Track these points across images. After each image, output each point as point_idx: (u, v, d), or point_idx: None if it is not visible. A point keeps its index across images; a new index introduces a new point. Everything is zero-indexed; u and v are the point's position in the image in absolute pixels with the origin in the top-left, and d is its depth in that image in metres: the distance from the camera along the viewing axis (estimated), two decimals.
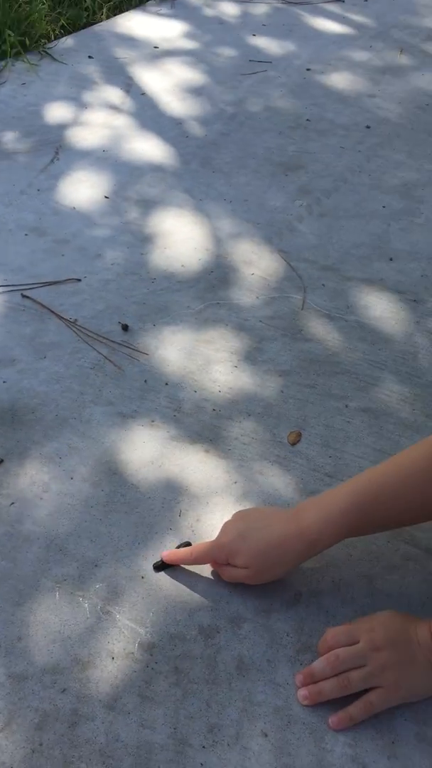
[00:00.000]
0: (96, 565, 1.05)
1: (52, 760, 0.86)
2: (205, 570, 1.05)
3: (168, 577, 1.04)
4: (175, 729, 0.89)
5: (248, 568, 0.99)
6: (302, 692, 0.92)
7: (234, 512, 1.06)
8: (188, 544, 1.07)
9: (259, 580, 1.01)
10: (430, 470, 0.97)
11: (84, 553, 1.06)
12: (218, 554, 1.01)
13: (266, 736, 0.89)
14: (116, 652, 0.96)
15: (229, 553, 0.99)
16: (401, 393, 1.34)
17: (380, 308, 1.52)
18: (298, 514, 0.99)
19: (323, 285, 1.56)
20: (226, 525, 1.02)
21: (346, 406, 1.31)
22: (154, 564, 1.05)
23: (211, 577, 1.04)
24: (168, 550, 1.05)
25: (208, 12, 2.78)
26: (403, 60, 2.53)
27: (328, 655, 0.91)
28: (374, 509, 0.98)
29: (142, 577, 1.04)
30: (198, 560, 1.04)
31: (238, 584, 1.03)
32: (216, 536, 1.03)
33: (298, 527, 0.97)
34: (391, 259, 1.64)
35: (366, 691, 0.90)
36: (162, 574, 1.04)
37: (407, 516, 1.02)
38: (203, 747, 0.88)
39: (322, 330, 1.46)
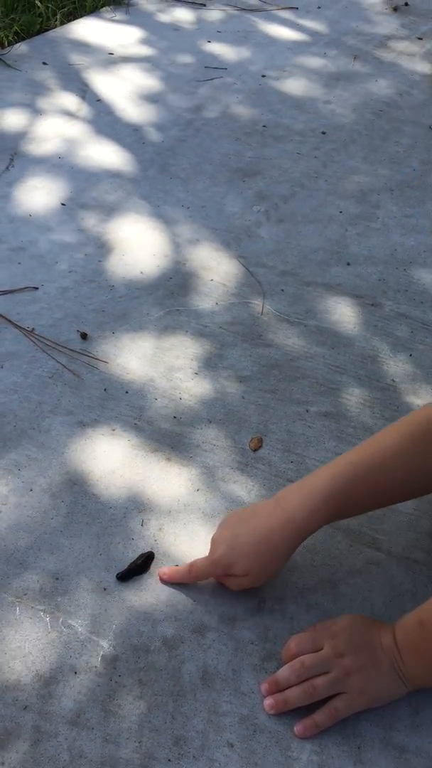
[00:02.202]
0: (57, 578, 1.03)
1: None
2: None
3: (131, 589, 1.03)
4: (140, 743, 0.88)
5: (248, 575, 0.98)
6: (268, 701, 0.91)
7: (196, 522, 1.05)
8: (151, 554, 1.06)
9: (264, 578, 1.01)
10: (407, 449, 0.98)
11: (44, 566, 1.05)
12: (215, 571, 1.00)
13: (232, 746, 0.88)
14: (79, 666, 0.94)
15: (224, 568, 0.99)
16: (361, 397, 1.34)
17: (339, 312, 1.52)
18: (279, 504, 0.98)
19: (282, 290, 1.57)
20: (214, 539, 1.01)
21: (307, 410, 1.31)
22: (117, 574, 1.04)
23: (174, 588, 1.03)
24: (166, 569, 1.03)
25: (163, 18, 2.78)
26: (357, 66, 2.55)
27: (293, 663, 0.91)
28: (356, 491, 0.98)
29: (105, 589, 1.02)
30: (198, 578, 1.03)
31: (200, 593, 1.02)
32: (208, 552, 1.02)
33: (281, 518, 0.97)
34: (348, 264, 1.66)
35: (331, 697, 0.90)
36: (125, 585, 1.03)
37: (389, 495, 1.03)
38: (169, 760, 0.87)
39: (281, 335, 1.46)
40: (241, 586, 1.01)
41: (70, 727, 0.89)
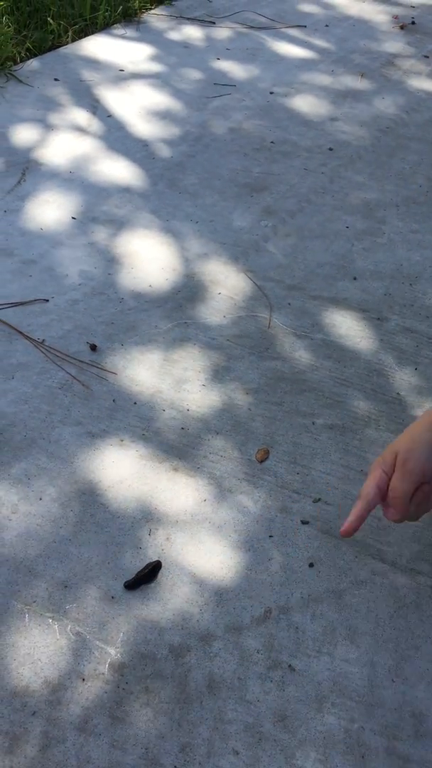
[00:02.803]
0: (66, 586, 1.05)
1: None
2: (176, 588, 1.06)
3: (138, 597, 1.04)
4: (146, 749, 0.89)
5: (405, 459, 0.97)
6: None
7: (203, 532, 1.06)
8: (158, 564, 1.07)
9: (416, 467, 0.97)
10: None
11: (53, 574, 1.06)
12: (412, 482, 0.97)
13: (237, 753, 0.89)
14: (86, 673, 0.96)
15: (389, 451, 0.99)
16: (367, 410, 1.36)
17: (345, 326, 1.54)
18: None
19: (289, 304, 1.59)
20: (397, 454, 0.99)
21: (313, 423, 1.32)
22: (125, 583, 1.05)
23: (180, 597, 1.05)
24: (346, 522, 0.98)
25: (173, 36, 2.82)
26: (364, 84, 2.58)
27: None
28: None
29: (112, 597, 1.04)
30: (369, 494, 0.98)
31: (207, 602, 1.03)
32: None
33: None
34: (355, 278, 1.68)
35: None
36: (132, 593, 1.04)
37: None
38: (175, 767, 0.88)
39: (288, 348, 1.48)
40: (397, 494, 0.97)
41: (77, 733, 0.90)
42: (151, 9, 3.01)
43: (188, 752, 0.89)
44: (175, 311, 1.54)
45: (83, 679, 0.95)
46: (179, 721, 0.92)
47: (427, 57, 2.82)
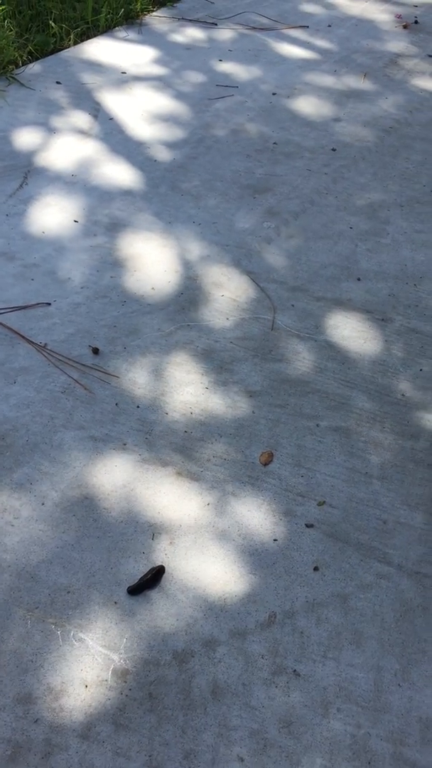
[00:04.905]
0: (68, 592, 1.04)
1: None
2: (180, 593, 1.05)
3: (142, 602, 1.03)
4: (150, 756, 0.88)
5: None
6: None
7: (207, 536, 1.06)
8: (161, 568, 1.06)
9: None
10: None
11: (56, 579, 1.05)
12: None
13: (242, 760, 0.88)
14: (89, 679, 0.95)
15: None
16: (371, 411, 1.35)
17: (349, 328, 1.53)
18: None
19: (292, 305, 1.58)
20: None
21: (317, 425, 1.31)
22: (128, 588, 1.04)
23: (184, 601, 1.04)
24: None
25: (175, 38, 2.81)
26: (367, 84, 2.57)
27: None
28: None
29: (115, 603, 1.03)
30: None
31: (211, 607, 1.02)
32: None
33: None
34: (359, 279, 1.66)
35: None
36: (135, 598, 1.04)
37: None
38: None
39: (292, 350, 1.47)
40: None
41: (80, 741, 0.89)
42: (153, 11, 3.01)
43: (192, 759, 0.88)
44: (178, 314, 1.53)
45: (86, 686, 0.94)
46: (183, 727, 0.91)
47: (430, 56, 2.81)
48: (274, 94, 2.46)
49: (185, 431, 1.28)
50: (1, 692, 0.93)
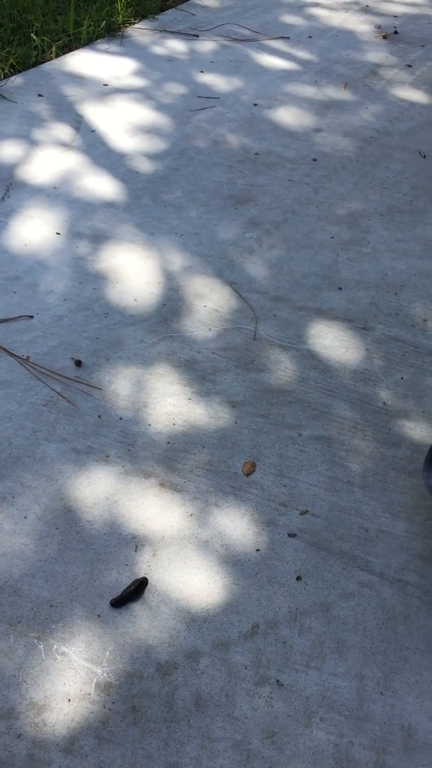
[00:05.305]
0: (51, 605, 1.04)
1: None
2: (163, 605, 1.05)
3: (125, 615, 1.03)
4: None
5: None
6: None
7: (189, 547, 1.06)
8: (144, 580, 1.06)
9: None
10: None
11: (39, 593, 1.05)
12: None
13: None
14: (72, 693, 0.95)
15: None
16: (353, 420, 1.35)
17: (331, 337, 1.54)
18: None
19: (274, 315, 1.59)
20: None
21: (300, 434, 1.32)
22: (111, 601, 1.04)
23: (167, 613, 1.04)
24: None
25: (157, 50, 2.83)
26: (347, 94, 2.59)
27: None
28: None
29: (98, 616, 1.03)
30: None
31: (194, 618, 1.03)
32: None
33: None
34: (340, 288, 1.68)
35: None
36: (118, 611, 1.04)
37: None
38: None
39: (274, 360, 1.47)
40: None
41: (63, 755, 0.89)
42: (134, 23, 3.02)
43: None
44: (161, 325, 1.54)
45: (69, 700, 0.94)
46: (167, 740, 0.91)
47: (410, 66, 2.83)
48: (255, 105, 2.47)
49: (168, 442, 1.29)
50: None
